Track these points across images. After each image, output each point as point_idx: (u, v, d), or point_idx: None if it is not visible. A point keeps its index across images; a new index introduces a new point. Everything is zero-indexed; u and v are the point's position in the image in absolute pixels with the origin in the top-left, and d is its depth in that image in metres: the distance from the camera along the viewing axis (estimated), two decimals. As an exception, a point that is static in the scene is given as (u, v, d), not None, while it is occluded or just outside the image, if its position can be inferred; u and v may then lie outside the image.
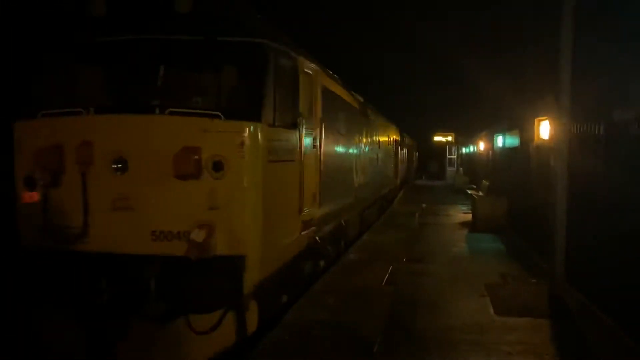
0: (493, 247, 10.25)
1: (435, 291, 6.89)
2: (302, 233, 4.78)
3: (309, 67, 4.72)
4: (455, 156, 34.72)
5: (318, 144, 5.21)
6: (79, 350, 3.06)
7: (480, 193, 16.21)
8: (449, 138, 32.96)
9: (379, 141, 11.44)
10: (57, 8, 3.03)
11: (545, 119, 9.36)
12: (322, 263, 6.32)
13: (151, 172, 3.18)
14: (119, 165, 3.26)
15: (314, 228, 5.24)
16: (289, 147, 4.09)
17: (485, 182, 16.36)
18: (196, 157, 3.11)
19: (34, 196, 3.17)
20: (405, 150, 22.66)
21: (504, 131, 14.84)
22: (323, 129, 5.33)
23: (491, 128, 17.97)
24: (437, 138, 33.64)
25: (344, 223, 7.60)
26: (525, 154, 11.15)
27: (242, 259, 3.33)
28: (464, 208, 16.82)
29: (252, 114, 3.22)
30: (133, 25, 3.28)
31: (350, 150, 7.81)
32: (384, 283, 7.33)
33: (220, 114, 3.21)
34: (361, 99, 9.89)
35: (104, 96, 3.27)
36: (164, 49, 3.31)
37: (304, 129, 4.49)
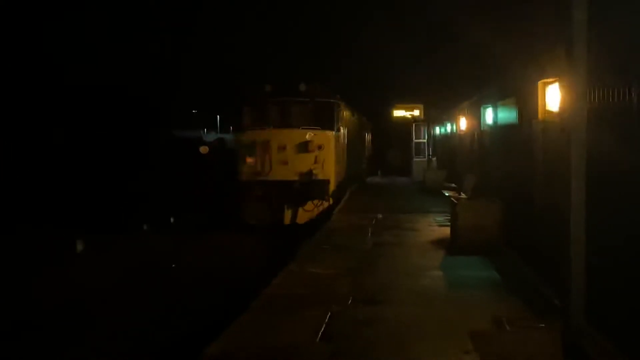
0: (481, 275, 10.41)
1: (396, 349, 6.83)
2: (341, 175, 21.54)
3: (340, 104, 21.02)
4: (425, 140, 35.35)
5: (344, 138, 22.19)
6: (266, 216, 17.94)
7: (463, 195, 16.45)
8: (415, 113, 33.19)
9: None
10: (255, 87, 19.96)
11: (554, 81, 9.52)
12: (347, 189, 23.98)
13: (294, 150, 18.53)
14: (282, 148, 18.62)
15: (344, 174, 22.34)
16: (339, 140, 20.68)
17: (469, 178, 16.61)
18: (311, 144, 18.78)
19: (248, 160, 18.52)
20: (344, 132, 22.41)
21: (494, 101, 15.11)
22: (346, 131, 22.82)
23: (477, 96, 18.31)
24: (397, 113, 33.73)
25: (347, 175, 23.65)
26: (526, 135, 11.34)
27: (328, 181, 19.12)
28: (439, 218, 17.17)
29: (330, 127, 19.56)
30: (283, 94, 19.48)
31: (350, 142, 24.39)
32: (318, 339, 7.21)
33: (319, 127, 19.25)
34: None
35: (273, 122, 19.22)
36: (296, 104, 19.43)
37: (340, 133, 21.03)
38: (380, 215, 18.00)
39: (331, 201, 19.59)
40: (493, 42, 13.18)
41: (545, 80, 10.15)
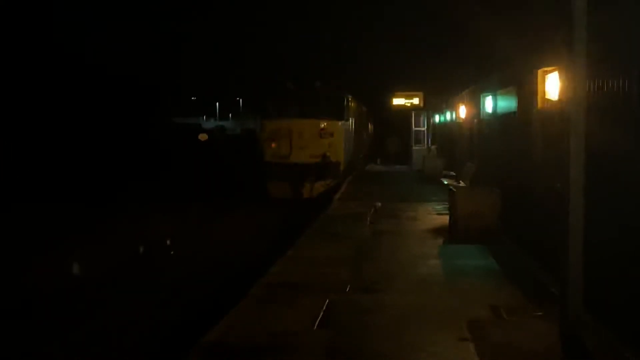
0: (480, 264, 10.42)
1: (393, 336, 6.84)
2: (349, 158, 25.58)
3: (348, 98, 25.01)
4: (425, 128, 35.32)
5: (351, 127, 26.16)
6: (288, 191, 20.96)
7: (462, 183, 16.44)
8: (415, 101, 33.09)
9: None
10: (278, 84, 24.17)
11: (554, 70, 9.49)
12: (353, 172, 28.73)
13: (310, 136, 21.87)
14: (300, 135, 21.84)
15: (351, 157, 26.40)
16: (347, 128, 24.50)
17: (468, 167, 16.61)
18: (324, 131, 22.30)
19: (271, 144, 21.92)
20: (351, 122, 25.91)
21: (494, 89, 15.09)
22: (353, 121, 26.70)
23: (476, 85, 18.27)
24: (397, 101, 33.64)
25: (353, 158, 28.43)
26: (525, 124, 11.33)
27: (339, 162, 22.77)
28: (438, 207, 17.19)
29: (339, 117, 23.21)
30: (301, 90, 23.26)
31: (356, 130, 28.43)
32: (315, 326, 7.20)
33: (331, 118, 22.71)
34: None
35: (293, 113, 22.49)
36: (312, 98, 22.92)
37: (348, 122, 25.07)
38: (379, 204, 18.01)
39: (341, 179, 24.21)
40: (493, 30, 13.11)
41: (545, 69, 10.12)
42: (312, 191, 21.74)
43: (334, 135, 22.55)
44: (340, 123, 23.15)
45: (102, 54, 35.80)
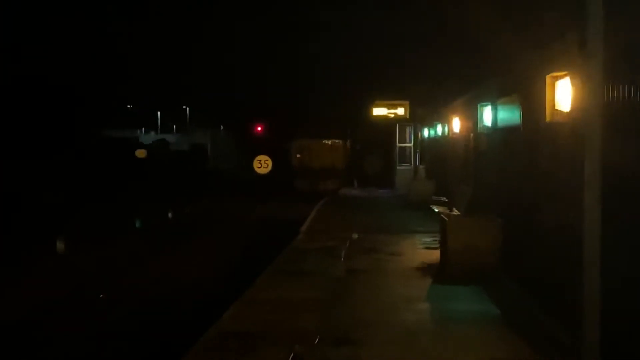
0: (477, 309, 10.45)
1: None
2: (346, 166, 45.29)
3: (347, 126, 47.84)
4: (412, 144, 35.52)
5: (348, 145, 47.38)
6: (308, 187, 39.28)
7: (455, 211, 16.48)
8: (400, 111, 33.31)
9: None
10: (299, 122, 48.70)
11: (565, 75, 9.61)
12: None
13: (325, 153, 42.61)
14: (318, 152, 41.84)
15: (347, 165, 45.57)
16: (345, 146, 45.42)
17: (462, 191, 16.70)
18: (332, 148, 42.55)
19: (299, 156, 41.45)
20: (347, 141, 45.97)
21: (493, 98, 15.24)
22: (348, 141, 47.75)
23: (472, 93, 18.43)
24: (377, 111, 33.83)
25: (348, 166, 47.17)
26: (531, 140, 11.44)
27: (341, 168, 42.27)
28: (427, 239, 17.22)
29: (343, 139, 44.28)
30: (317, 118, 49.52)
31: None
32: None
33: (336, 140, 43.42)
34: None
35: (312, 135, 43.46)
36: (324, 124, 45.66)
37: (346, 142, 46.40)
38: (355, 235, 18.02)
39: (344, 180, 40.57)
40: (491, 25, 13.26)
41: (554, 74, 10.23)
42: (325, 187, 37.53)
43: (338, 151, 40.97)
44: (341, 142, 41.76)
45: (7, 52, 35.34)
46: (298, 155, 40.36)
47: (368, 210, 26.77)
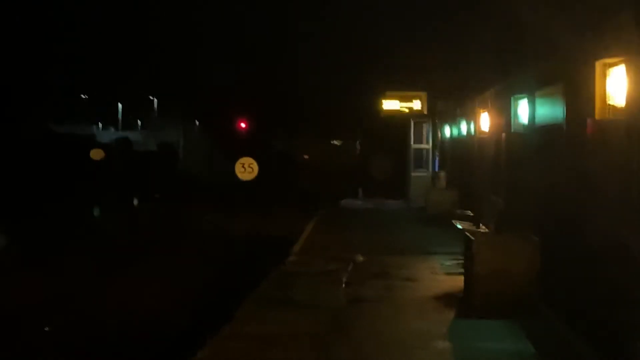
0: (509, 349, 10.46)
1: None
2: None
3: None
4: (430, 146, 35.57)
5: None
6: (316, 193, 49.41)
7: (483, 228, 16.48)
8: (415, 105, 33.40)
9: None
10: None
11: (619, 63, 9.58)
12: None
13: (330, 153, 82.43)
14: (325, 153, 78.02)
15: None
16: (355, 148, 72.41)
17: (492, 204, 16.65)
18: (339, 149, 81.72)
19: (305, 156, 78.79)
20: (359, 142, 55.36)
21: (531, 90, 15.24)
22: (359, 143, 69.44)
23: (505, 81, 18.43)
24: (388, 105, 33.93)
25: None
26: (578, 141, 11.41)
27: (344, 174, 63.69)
28: (448, 263, 17.37)
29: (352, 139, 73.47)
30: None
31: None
32: None
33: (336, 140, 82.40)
34: None
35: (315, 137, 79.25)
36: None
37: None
38: (360, 257, 18.14)
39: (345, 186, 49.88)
40: (529, 4, 13.28)
41: (606, 60, 10.20)
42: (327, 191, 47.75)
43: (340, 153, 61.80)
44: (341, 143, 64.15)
45: None
46: (305, 156, 52.91)
47: (375, 225, 26.84)
